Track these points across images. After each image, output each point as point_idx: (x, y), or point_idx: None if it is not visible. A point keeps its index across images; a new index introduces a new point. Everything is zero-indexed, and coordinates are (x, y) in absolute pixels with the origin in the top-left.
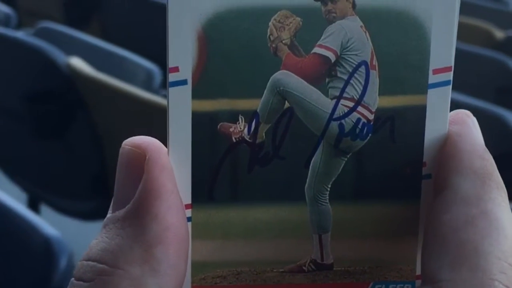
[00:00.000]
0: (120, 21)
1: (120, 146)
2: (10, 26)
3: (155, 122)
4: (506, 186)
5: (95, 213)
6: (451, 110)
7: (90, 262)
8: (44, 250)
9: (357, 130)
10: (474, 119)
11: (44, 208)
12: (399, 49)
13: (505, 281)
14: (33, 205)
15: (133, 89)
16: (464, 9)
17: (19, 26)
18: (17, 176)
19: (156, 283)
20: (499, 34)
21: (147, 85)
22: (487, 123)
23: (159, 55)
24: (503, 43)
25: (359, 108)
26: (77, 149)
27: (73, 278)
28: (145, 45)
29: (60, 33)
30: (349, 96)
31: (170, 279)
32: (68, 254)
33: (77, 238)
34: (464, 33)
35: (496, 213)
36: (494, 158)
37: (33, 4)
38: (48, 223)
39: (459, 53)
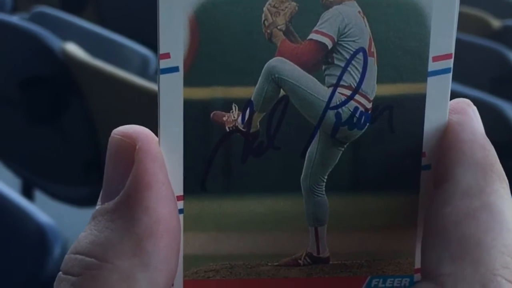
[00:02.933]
0: (116, 7)
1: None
2: (5, 11)
3: (150, 109)
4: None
5: (89, 199)
6: (449, 98)
7: (78, 256)
8: (38, 238)
9: (355, 119)
10: (475, 108)
11: (38, 194)
12: (398, 35)
13: (509, 276)
14: (27, 191)
15: (128, 76)
16: None
17: (14, 10)
18: (11, 162)
19: (146, 277)
20: (495, 23)
21: (143, 72)
22: (482, 113)
23: (155, 41)
24: (499, 32)
25: (357, 97)
26: (71, 135)
27: (60, 272)
28: (141, 31)
29: (55, 17)
30: (346, 84)
31: (161, 273)
32: (62, 242)
33: (71, 225)
34: (460, 22)
35: (499, 206)
36: None
37: None
38: (42, 209)
39: (455, 42)
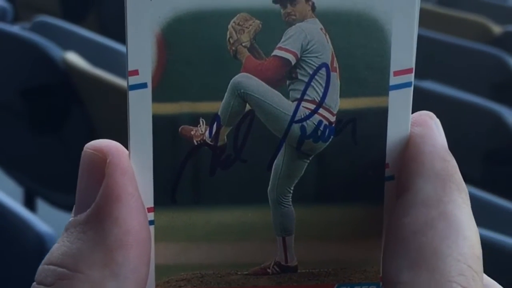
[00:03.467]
0: (117, 16)
1: (115, 140)
2: (6, 20)
3: None
4: (502, 182)
5: None
6: (450, 104)
7: (51, 266)
8: (38, 247)
9: (319, 132)
10: (437, 121)
11: (40, 203)
12: (360, 51)
13: (464, 283)
14: (29, 200)
15: None
16: (462, 4)
17: (15, 20)
18: (13, 171)
19: (116, 286)
20: (496, 29)
21: None
22: (483, 119)
23: None
24: (500, 38)
25: (321, 110)
26: (72, 143)
27: (34, 283)
28: None
29: (56, 27)
30: (310, 98)
31: (131, 283)
32: None
33: None
34: (460, 27)
35: (456, 215)
36: (490, 153)
37: None
38: (44, 218)
39: (455, 48)
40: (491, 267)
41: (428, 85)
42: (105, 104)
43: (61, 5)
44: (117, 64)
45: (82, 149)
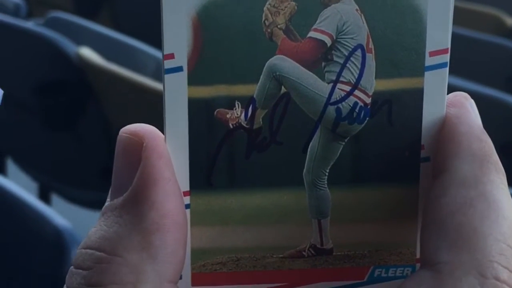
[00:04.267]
0: (131, 11)
1: None
2: (20, 16)
3: None
4: None
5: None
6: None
7: (88, 250)
8: (56, 241)
9: (355, 114)
10: (472, 101)
11: (55, 198)
12: (395, 31)
13: (504, 262)
14: (44, 195)
15: (144, 79)
16: None
17: (29, 16)
18: (28, 166)
19: (154, 269)
20: (509, 21)
21: (157, 75)
22: (497, 111)
23: None
24: None
25: (356, 92)
26: (87, 139)
27: (72, 266)
28: (156, 35)
29: (70, 22)
30: (345, 80)
31: (169, 266)
32: (79, 245)
33: (88, 228)
34: (474, 20)
35: (495, 195)
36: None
37: None
38: (59, 213)
39: (469, 41)
40: None
41: None
42: (119, 99)
43: (74, 1)
44: (131, 59)
45: (96, 144)
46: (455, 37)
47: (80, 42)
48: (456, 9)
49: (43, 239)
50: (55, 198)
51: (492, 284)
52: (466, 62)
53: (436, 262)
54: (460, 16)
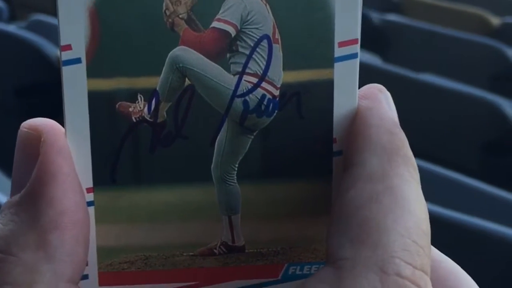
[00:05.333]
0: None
1: None
2: (2, 19)
3: None
4: (500, 173)
5: None
6: (449, 96)
7: None
8: None
9: (263, 107)
10: (388, 94)
11: None
12: (303, 22)
13: (408, 258)
14: None
15: None
16: None
17: (11, 19)
18: (9, 171)
19: (51, 269)
20: (495, 20)
21: None
22: (482, 110)
23: None
24: (498, 30)
25: (264, 84)
26: None
27: None
28: None
29: (52, 25)
30: (252, 72)
31: (67, 265)
32: None
33: None
34: (459, 20)
35: (402, 189)
36: (488, 144)
37: None
38: None
39: (454, 40)
40: (489, 257)
41: (427, 77)
42: None
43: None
44: None
45: None
46: (439, 36)
47: None
48: (441, 9)
49: None
50: None
51: (393, 280)
52: (451, 61)
53: (338, 258)
54: (445, 16)
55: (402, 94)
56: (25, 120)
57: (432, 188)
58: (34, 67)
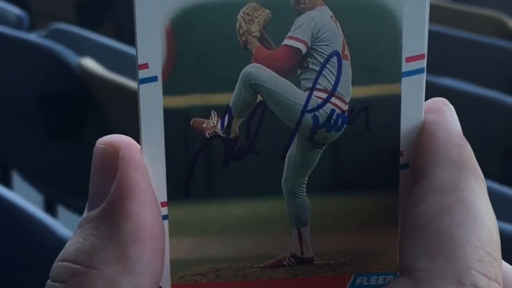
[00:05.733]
0: (132, 21)
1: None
2: (22, 29)
3: None
4: None
5: None
6: (468, 100)
7: (64, 263)
8: (60, 252)
9: (332, 121)
10: (451, 107)
11: (61, 209)
12: (371, 38)
13: (483, 269)
14: (50, 207)
15: None
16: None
17: (31, 27)
18: (33, 178)
19: (131, 282)
20: (511, 23)
21: None
22: (499, 113)
23: None
24: None
25: (333, 99)
26: (91, 150)
27: (49, 280)
28: None
29: (72, 34)
30: (322, 87)
31: (146, 278)
32: None
33: None
34: (475, 23)
35: (473, 201)
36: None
37: (46, 5)
38: (65, 224)
39: (471, 44)
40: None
41: (446, 81)
42: (122, 109)
43: (76, 12)
44: (133, 69)
45: None
46: (457, 40)
47: (82, 53)
48: (458, 13)
49: (49, 251)
50: (61, 209)
51: None
52: (469, 64)
53: (414, 269)
54: (462, 19)
55: None
56: (45, 127)
57: None
58: (54, 75)
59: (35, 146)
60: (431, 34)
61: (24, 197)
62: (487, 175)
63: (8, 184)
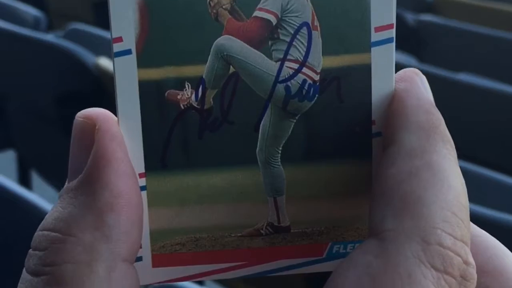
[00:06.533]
0: None
1: None
2: (40, 29)
3: None
4: None
5: None
6: (486, 95)
7: (44, 232)
8: None
9: (304, 91)
10: (423, 77)
11: None
12: (340, 8)
13: (449, 229)
14: None
15: None
16: None
17: (49, 28)
18: (52, 178)
19: (108, 248)
20: None
21: None
22: None
23: None
24: None
25: (304, 69)
26: None
27: (30, 249)
28: None
29: (90, 34)
30: (293, 58)
31: (123, 245)
32: None
33: None
34: (489, 17)
35: (441, 164)
36: None
37: (63, 6)
38: None
39: (491, 39)
40: None
41: (464, 77)
42: None
43: (93, 12)
44: None
45: None
46: (476, 36)
47: (100, 53)
48: (478, 8)
49: None
50: None
51: (435, 249)
52: (488, 60)
53: (381, 230)
54: (482, 15)
55: (440, 94)
56: (64, 129)
57: (473, 189)
58: (72, 75)
59: (54, 146)
60: (450, 29)
61: (43, 197)
62: (505, 170)
63: (27, 184)
